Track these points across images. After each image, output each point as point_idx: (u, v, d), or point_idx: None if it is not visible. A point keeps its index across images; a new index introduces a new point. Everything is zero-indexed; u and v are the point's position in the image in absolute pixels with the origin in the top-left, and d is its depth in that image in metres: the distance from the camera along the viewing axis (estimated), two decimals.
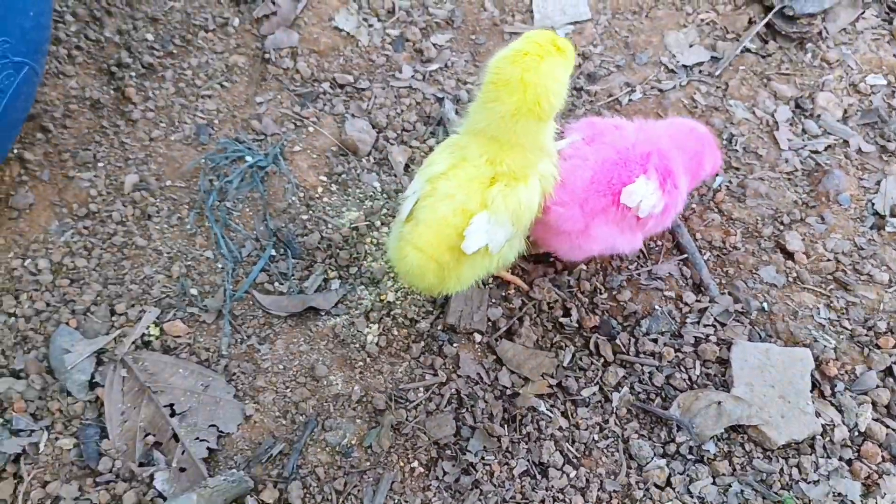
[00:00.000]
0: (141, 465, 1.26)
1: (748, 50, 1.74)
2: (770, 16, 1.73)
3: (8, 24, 1.26)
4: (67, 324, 1.38)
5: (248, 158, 1.55)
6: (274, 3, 1.73)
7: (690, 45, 1.73)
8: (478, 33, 1.76)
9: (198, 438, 1.29)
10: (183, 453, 1.28)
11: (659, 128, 1.33)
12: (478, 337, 1.38)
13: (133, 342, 1.36)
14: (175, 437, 1.29)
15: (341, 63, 1.70)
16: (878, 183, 1.56)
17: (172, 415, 1.31)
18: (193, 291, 1.42)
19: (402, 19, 1.76)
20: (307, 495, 1.25)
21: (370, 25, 1.74)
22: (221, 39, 1.72)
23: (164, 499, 1.23)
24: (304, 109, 1.63)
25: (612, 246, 1.32)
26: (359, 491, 1.25)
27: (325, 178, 1.55)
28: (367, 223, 1.50)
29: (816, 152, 1.59)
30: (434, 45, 1.73)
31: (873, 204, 1.53)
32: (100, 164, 1.55)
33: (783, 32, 1.72)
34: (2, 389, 1.31)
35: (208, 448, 1.28)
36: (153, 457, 1.27)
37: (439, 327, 1.39)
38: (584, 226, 1.26)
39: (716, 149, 1.39)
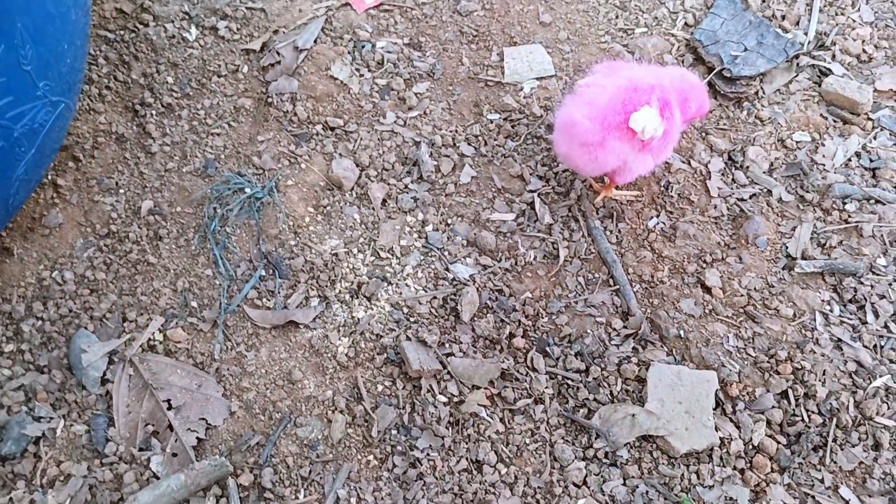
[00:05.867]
0: (140, 449, 1.49)
1: None
2: (711, 76, 1.93)
3: (49, 70, 1.45)
4: (86, 328, 1.62)
5: (248, 190, 1.79)
6: (279, 54, 1.98)
7: None
8: (455, 84, 1.99)
9: (189, 429, 1.52)
10: (176, 441, 1.51)
11: (661, 70, 1.64)
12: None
13: (140, 345, 1.60)
14: (170, 427, 1.52)
15: (334, 108, 1.93)
16: (794, 229, 1.75)
17: (169, 409, 1.54)
18: (194, 304, 1.66)
19: (390, 70, 2.00)
20: (277, 480, 1.47)
21: (361, 75, 1.98)
22: (231, 84, 1.97)
23: (158, 478, 1.46)
24: (299, 148, 1.87)
25: (626, 162, 1.59)
26: (321, 478, 1.48)
27: (312, 210, 1.79)
28: (346, 250, 1.73)
29: (742, 200, 1.79)
30: (416, 94, 1.96)
31: (787, 247, 1.73)
32: (121, 191, 1.80)
33: (722, 92, 1.92)
34: (28, 382, 1.55)
35: (197, 438, 1.51)
36: (151, 443, 1.50)
37: (402, 341, 1.61)
38: (602, 139, 1.53)
39: (703, 94, 1.66)
